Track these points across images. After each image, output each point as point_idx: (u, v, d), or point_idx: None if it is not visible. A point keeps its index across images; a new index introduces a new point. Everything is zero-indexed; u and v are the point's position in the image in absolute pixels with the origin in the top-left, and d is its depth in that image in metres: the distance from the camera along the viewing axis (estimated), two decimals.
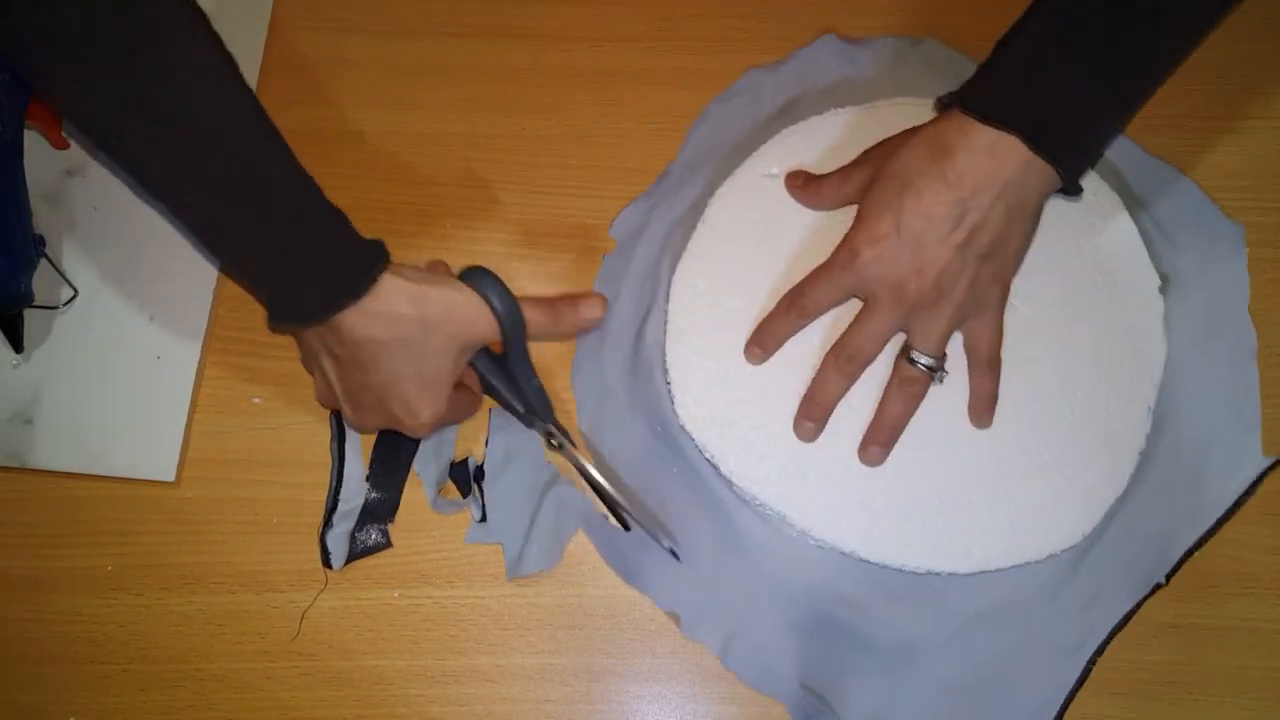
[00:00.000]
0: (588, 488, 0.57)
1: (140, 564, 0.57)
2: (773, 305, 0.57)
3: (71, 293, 0.60)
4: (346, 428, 0.58)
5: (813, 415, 0.55)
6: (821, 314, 0.56)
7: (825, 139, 0.61)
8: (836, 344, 0.55)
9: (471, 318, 0.52)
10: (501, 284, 0.52)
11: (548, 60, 0.66)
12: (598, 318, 0.57)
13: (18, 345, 0.59)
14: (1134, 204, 0.60)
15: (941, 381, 0.55)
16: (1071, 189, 0.52)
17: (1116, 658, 0.54)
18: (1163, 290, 0.58)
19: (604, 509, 0.57)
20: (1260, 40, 0.65)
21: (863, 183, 0.55)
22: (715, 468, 0.56)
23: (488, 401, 0.58)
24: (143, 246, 0.61)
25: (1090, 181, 0.59)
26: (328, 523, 0.57)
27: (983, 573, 0.55)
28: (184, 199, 0.49)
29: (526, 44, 0.66)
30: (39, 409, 0.58)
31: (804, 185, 0.59)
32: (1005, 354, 0.56)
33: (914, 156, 0.51)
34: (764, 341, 0.56)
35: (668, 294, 0.59)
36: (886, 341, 0.54)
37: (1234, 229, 0.60)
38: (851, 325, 0.54)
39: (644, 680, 0.56)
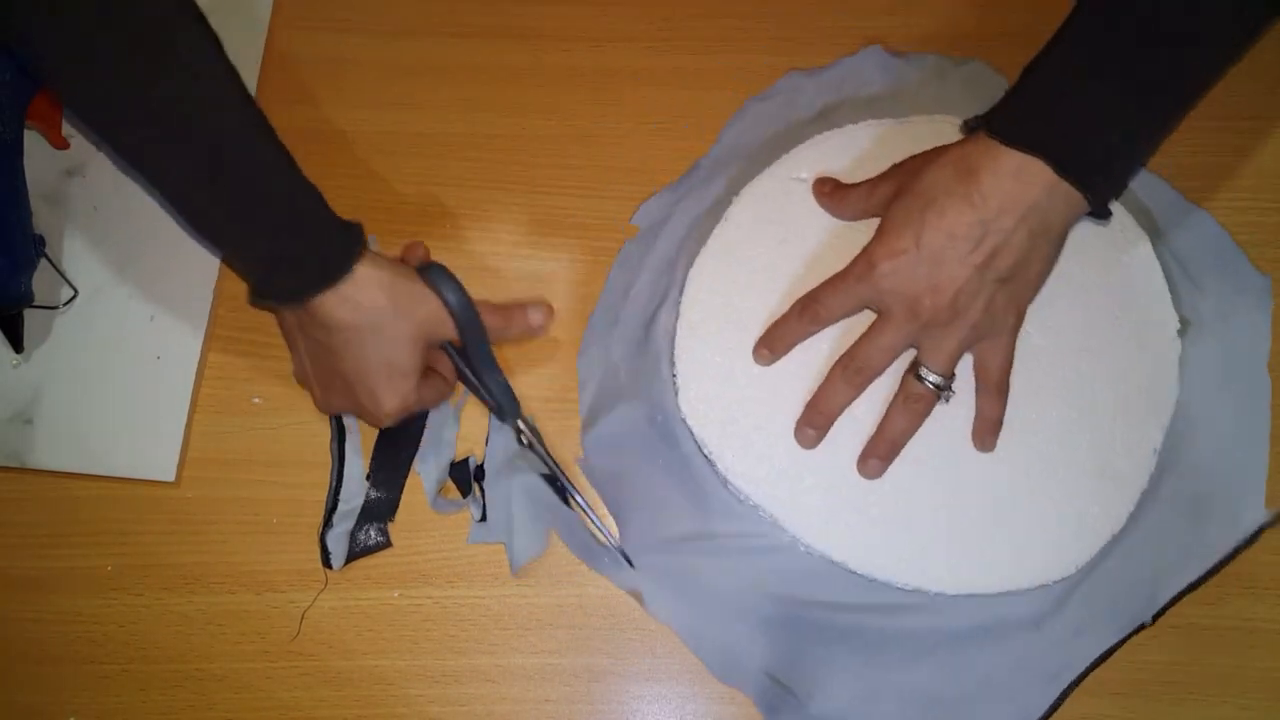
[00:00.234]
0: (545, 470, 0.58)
1: (140, 564, 0.57)
2: (786, 308, 0.57)
3: (71, 293, 0.60)
4: (346, 427, 0.58)
5: (815, 423, 0.55)
6: (834, 322, 0.56)
7: (858, 148, 0.60)
8: (846, 354, 0.55)
9: (435, 313, 0.53)
10: (456, 281, 0.53)
11: (548, 60, 0.66)
12: (540, 324, 0.58)
13: (18, 345, 0.59)
14: (1160, 243, 0.59)
15: (947, 401, 0.55)
16: (1100, 213, 0.51)
17: (1117, 657, 0.54)
18: (1181, 333, 0.58)
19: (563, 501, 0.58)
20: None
21: (888, 196, 0.54)
22: (711, 464, 0.56)
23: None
24: (143, 246, 0.61)
25: (1119, 216, 0.59)
26: (328, 523, 0.57)
27: (971, 595, 0.54)
28: (166, 178, 0.50)
29: (526, 44, 0.66)
30: (39, 409, 0.58)
31: (831, 193, 0.59)
32: (1015, 380, 0.55)
33: (940, 175, 0.51)
34: (773, 344, 0.56)
35: (683, 286, 0.59)
36: (896, 356, 0.54)
37: (1261, 280, 0.60)
38: (863, 337, 0.54)
39: (644, 680, 0.56)
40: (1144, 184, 0.61)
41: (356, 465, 0.58)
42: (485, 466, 0.58)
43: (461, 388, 0.58)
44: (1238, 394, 0.58)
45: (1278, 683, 0.55)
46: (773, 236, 0.59)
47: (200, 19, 0.47)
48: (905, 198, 0.52)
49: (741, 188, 0.60)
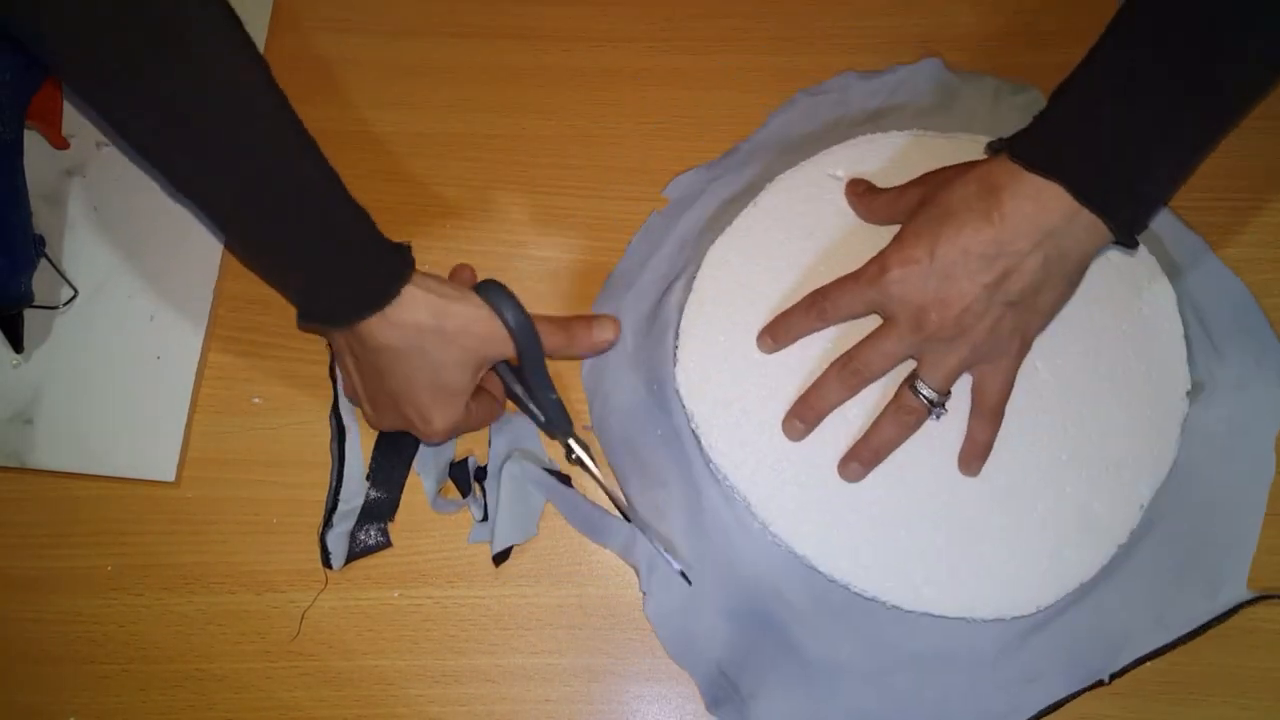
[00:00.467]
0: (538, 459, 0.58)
1: (140, 564, 0.57)
2: (797, 300, 0.57)
3: (71, 293, 0.60)
4: (347, 427, 0.58)
5: (805, 417, 0.55)
6: (840, 321, 0.56)
7: (899, 156, 0.60)
8: (845, 354, 0.55)
9: (488, 333, 0.51)
10: (515, 300, 0.52)
11: (548, 60, 0.66)
12: (611, 340, 0.56)
13: (18, 345, 0.59)
14: (1187, 301, 0.59)
15: (938, 418, 0.54)
16: (1125, 242, 0.50)
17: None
18: (1191, 395, 0.57)
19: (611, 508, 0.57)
20: None
21: (912, 204, 0.54)
22: (697, 439, 0.56)
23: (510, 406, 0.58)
24: (143, 246, 0.61)
25: (1148, 267, 0.58)
26: (328, 522, 0.57)
27: (927, 615, 0.54)
28: (208, 201, 0.49)
29: (526, 44, 0.66)
30: (39, 409, 0.58)
31: (862, 194, 0.59)
32: (1014, 410, 0.55)
33: (964, 190, 0.51)
34: (778, 333, 0.56)
35: (701, 263, 0.59)
36: (896, 363, 0.54)
37: None
38: (865, 340, 0.54)
39: (644, 680, 0.56)
40: (1175, 234, 0.60)
41: (356, 465, 0.58)
42: (486, 467, 0.58)
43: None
44: (1239, 468, 0.57)
45: (1278, 683, 0.55)
46: (798, 228, 0.59)
47: (228, 18, 0.46)
48: (928, 208, 0.52)
49: (776, 176, 0.60)
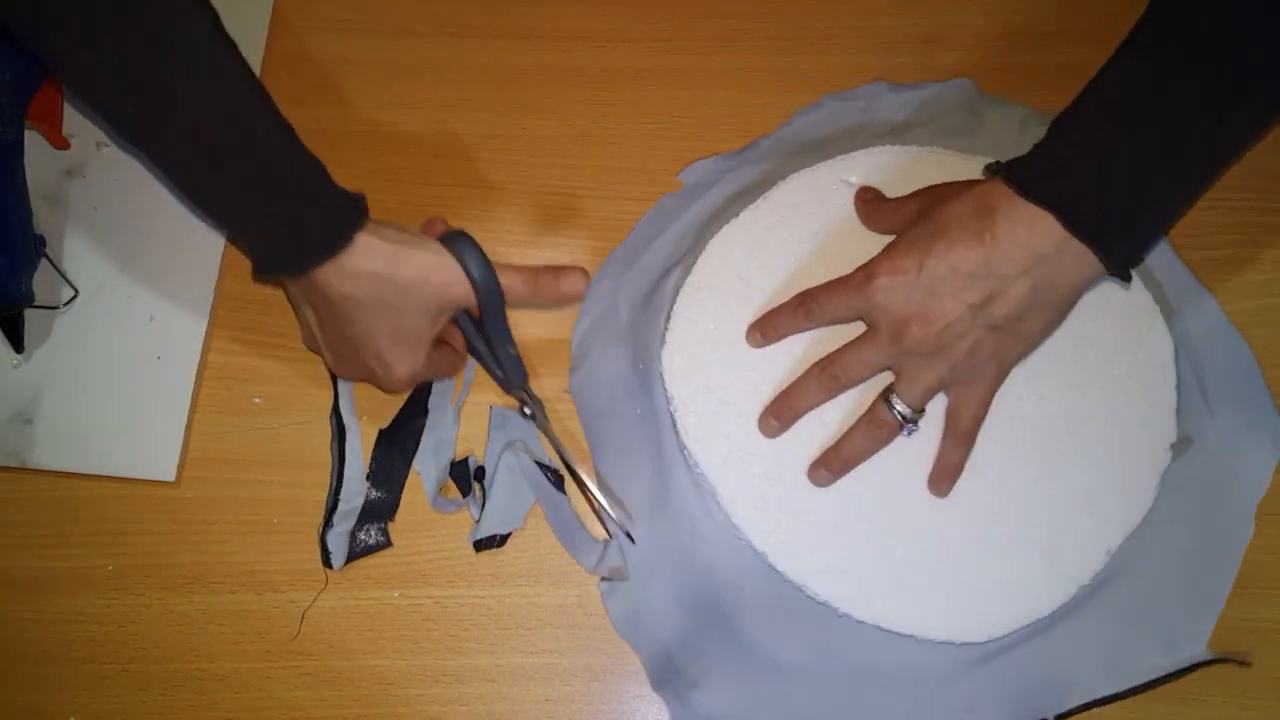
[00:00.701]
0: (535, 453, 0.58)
1: (140, 564, 0.57)
2: (789, 298, 0.57)
3: (72, 293, 0.60)
4: (347, 427, 0.58)
5: (781, 415, 0.55)
6: (826, 324, 0.56)
7: (915, 171, 0.59)
8: (826, 357, 0.55)
9: (447, 281, 0.51)
10: (479, 250, 0.51)
11: (548, 60, 0.66)
12: (579, 291, 0.55)
13: (18, 345, 0.59)
14: (1186, 352, 0.58)
15: (909, 435, 0.54)
16: (1117, 274, 0.49)
17: None
18: (1176, 449, 0.56)
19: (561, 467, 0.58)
20: None
21: (910, 216, 0.54)
22: (674, 422, 0.56)
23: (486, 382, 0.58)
24: (143, 246, 0.61)
25: (1148, 314, 0.58)
26: (328, 522, 0.57)
27: (877, 628, 0.54)
28: (161, 148, 0.49)
29: (526, 44, 0.66)
30: (39, 409, 0.58)
31: (869, 200, 0.59)
32: (992, 437, 0.55)
33: (960, 208, 0.50)
34: (766, 329, 0.57)
35: (702, 250, 0.59)
36: (874, 373, 0.54)
37: (1277, 422, 0.58)
38: (846, 345, 0.54)
39: (644, 680, 0.56)
40: (1189, 297, 0.60)
41: (356, 465, 0.58)
42: (485, 466, 0.58)
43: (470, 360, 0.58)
44: (1216, 529, 0.56)
45: (1278, 683, 0.55)
46: (804, 228, 0.59)
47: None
48: (924, 222, 0.52)
49: (791, 174, 0.61)
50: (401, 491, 0.58)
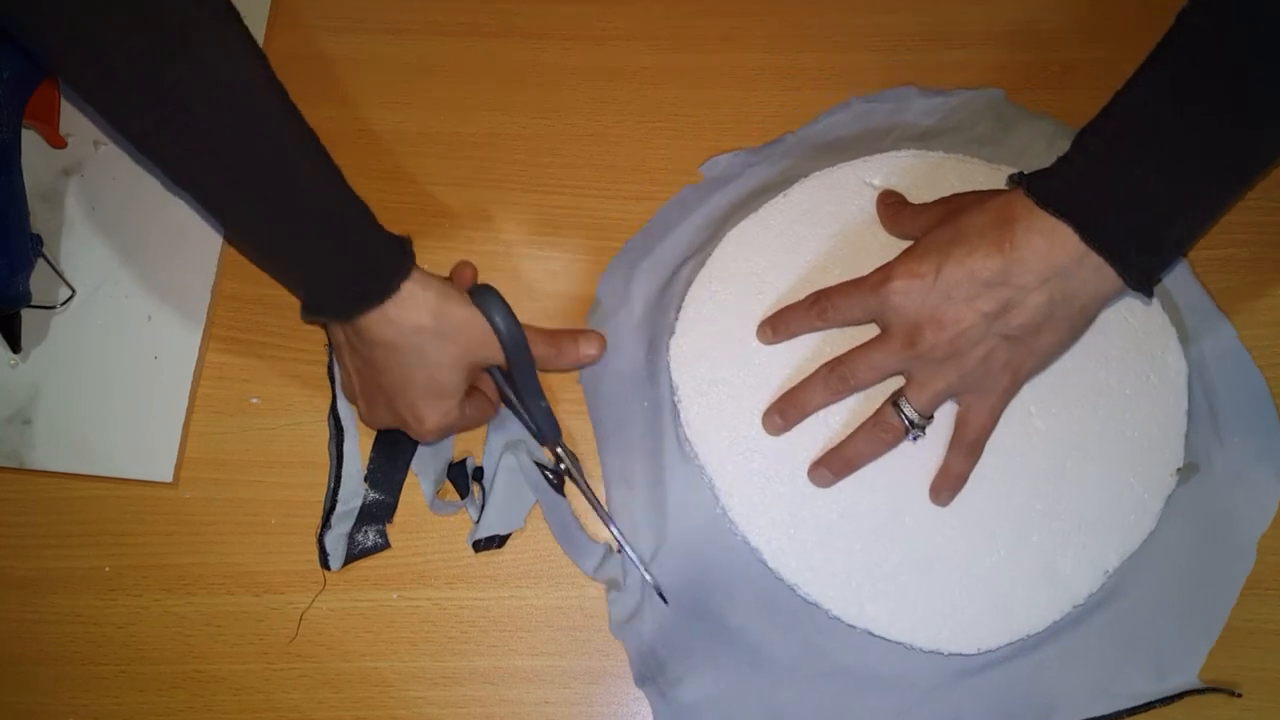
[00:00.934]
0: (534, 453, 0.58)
1: (138, 565, 0.57)
2: (802, 296, 0.56)
3: (69, 292, 0.60)
4: (345, 428, 0.58)
5: (785, 414, 0.55)
6: (840, 324, 0.55)
7: (939, 177, 0.60)
8: (836, 359, 0.54)
9: (481, 337, 0.52)
10: (506, 308, 0.52)
11: (548, 60, 0.66)
12: (595, 356, 0.57)
13: (15, 345, 0.59)
14: (1198, 377, 0.58)
15: (914, 440, 0.54)
16: (1139, 289, 0.48)
17: None
18: (1182, 474, 0.56)
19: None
20: None
21: (931, 222, 0.54)
22: (677, 413, 0.56)
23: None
24: (141, 246, 0.61)
25: (1164, 338, 0.57)
26: (326, 524, 0.57)
27: (867, 633, 0.54)
28: (210, 196, 0.49)
29: (526, 44, 0.66)
30: (37, 409, 0.58)
31: (891, 204, 0.58)
32: (998, 450, 0.54)
33: (980, 217, 0.50)
34: (778, 326, 0.57)
35: (719, 243, 0.59)
36: (884, 376, 0.54)
37: None
38: (857, 348, 0.54)
39: None
40: (1206, 322, 0.59)
41: (355, 466, 0.58)
42: (484, 467, 0.58)
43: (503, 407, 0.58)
44: (1216, 558, 0.56)
45: (1278, 683, 0.55)
46: (822, 227, 0.59)
47: (225, 8, 0.46)
48: (943, 228, 0.51)
49: (813, 172, 0.60)
50: (400, 493, 0.58)
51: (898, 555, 0.54)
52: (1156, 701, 0.53)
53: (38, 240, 0.60)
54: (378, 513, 0.57)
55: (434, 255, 0.61)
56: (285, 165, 0.48)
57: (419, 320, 0.50)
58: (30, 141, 0.61)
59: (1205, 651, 0.55)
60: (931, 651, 0.54)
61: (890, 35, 0.66)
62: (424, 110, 0.65)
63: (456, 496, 0.58)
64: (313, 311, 0.52)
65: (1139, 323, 0.58)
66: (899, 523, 0.55)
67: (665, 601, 0.55)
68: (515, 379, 0.54)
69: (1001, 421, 0.54)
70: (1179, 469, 0.56)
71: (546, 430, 0.56)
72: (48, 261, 0.60)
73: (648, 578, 0.55)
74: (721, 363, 0.57)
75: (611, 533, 0.56)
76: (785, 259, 0.58)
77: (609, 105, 0.65)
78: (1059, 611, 0.54)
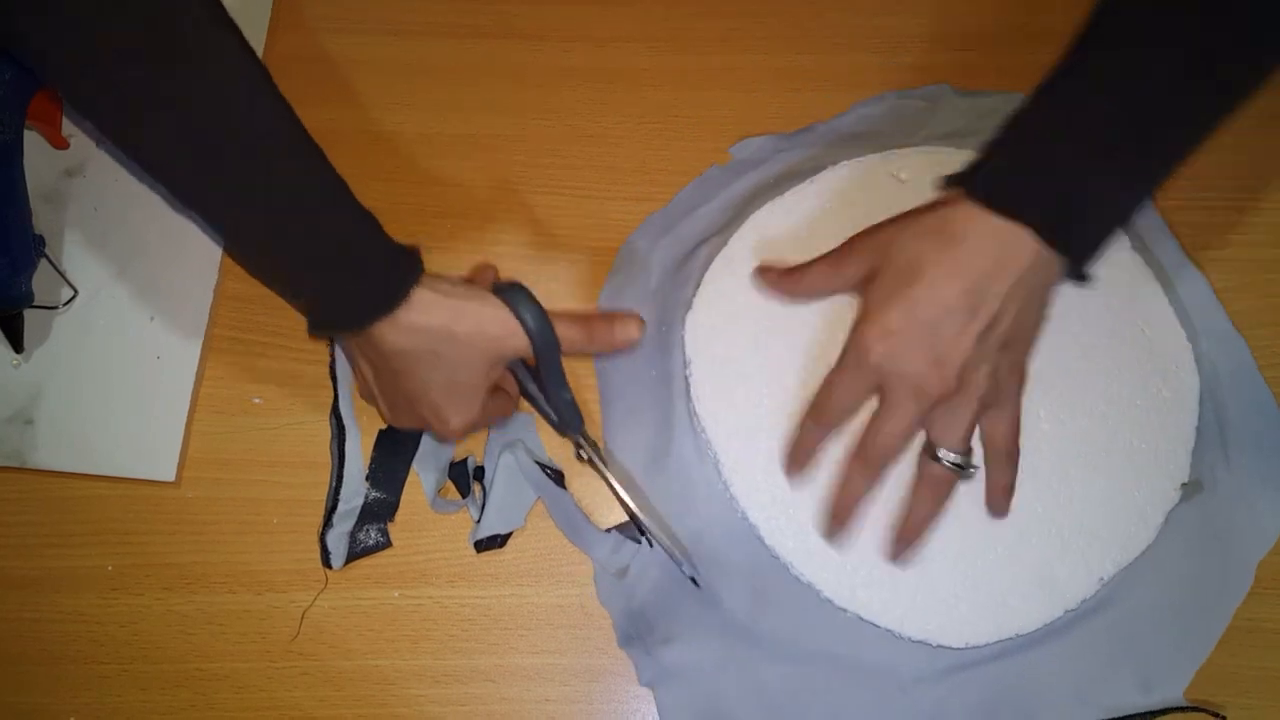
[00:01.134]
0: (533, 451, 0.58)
1: (140, 564, 0.57)
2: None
3: (71, 293, 0.60)
4: (346, 428, 0.58)
5: (839, 517, 0.53)
6: (849, 417, 0.52)
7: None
8: (858, 447, 0.52)
9: (502, 333, 0.51)
10: (534, 301, 0.51)
11: (548, 60, 0.66)
12: (634, 339, 0.54)
13: (18, 345, 0.59)
14: (1210, 395, 0.58)
15: (971, 477, 0.52)
16: (1078, 277, 0.48)
17: None
18: (1186, 490, 0.55)
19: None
20: None
21: (859, 274, 0.51)
22: (688, 386, 0.56)
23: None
24: (143, 246, 0.61)
25: (1179, 354, 0.57)
26: (328, 522, 0.57)
27: (856, 617, 0.54)
28: (213, 212, 0.49)
29: (526, 44, 0.66)
30: (39, 409, 0.58)
31: (779, 277, 0.56)
32: None
33: (921, 245, 0.48)
34: (799, 458, 0.54)
35: (742, 224, 0.59)
36: (910, 438, 0.51)
37: None
38: (870, 426, 0.51)
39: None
40: (1216, 328, 0.59)
41: (356, 465, 0.58)
42: (485, 466, 0.58)
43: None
44: (1213, 578, 0.56)
45: (1278, 683, 0.55)
46: (846, 216, 0.58)
47: (226, 24, 0.46)
48: (884, 276, 0.49)
49: (842, 161, 0.60)
50: (401, 491, 0.58)
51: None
52: (1139, 715, 0.53)
53: (40, 241, 0.60)
54: (379, 511, 0.58)
55: (434, 255, 0.61)
56: (289, 179, 0.48)
57: (432, 324, 0.49)
58: (33, 142, 0.61)
59: (1193, 670, 0.54)
60: (919, 642, 0.54)
61: (890, 36, 0.67)
62: (424, 111, 0.65)
63: (458, 495, 0.58)
64: (322, 326, 0.51)
65: (1154, 335, 0.58)
66: (898, 512, 0.55)
67: (699, 587, 0.55)
68: (541, 371, 0.53)
69: None
70: (1183, 484, 0.56)
71: (570, 420, 0.56)
72: (50, 262, 0.60)
73: (684, 569, 0.55)
74: (735, 342, 0.57)
75: (639, 525, 0.56)
76: (808, 244, 0.57)
77: (609, 106, 0.65)
78: (1050, 615, 0.54)
